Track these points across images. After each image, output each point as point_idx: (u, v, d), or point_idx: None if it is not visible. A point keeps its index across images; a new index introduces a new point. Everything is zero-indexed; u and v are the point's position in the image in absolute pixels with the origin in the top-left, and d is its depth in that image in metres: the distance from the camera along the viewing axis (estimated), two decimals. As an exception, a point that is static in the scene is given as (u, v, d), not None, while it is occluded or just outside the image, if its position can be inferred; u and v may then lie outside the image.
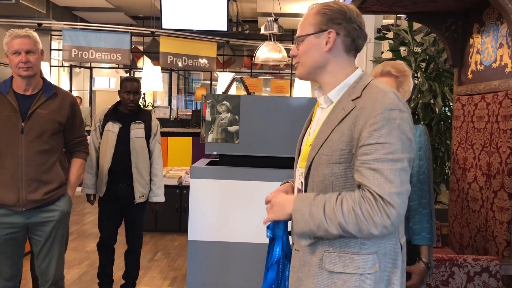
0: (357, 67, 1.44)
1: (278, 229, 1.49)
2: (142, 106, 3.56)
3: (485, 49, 2.73)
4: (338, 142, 1.32)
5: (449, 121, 3.90)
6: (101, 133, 3.27)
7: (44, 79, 2.48)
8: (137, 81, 3.32)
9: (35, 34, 2.39)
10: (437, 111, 3.78)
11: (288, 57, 6.64)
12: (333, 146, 1.32)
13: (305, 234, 1.31)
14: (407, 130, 1.27)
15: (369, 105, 1.29)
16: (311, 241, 1.34)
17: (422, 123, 3.80)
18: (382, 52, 5.95)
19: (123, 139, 3.23)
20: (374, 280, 1.31)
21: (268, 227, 1.52)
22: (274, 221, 1.46)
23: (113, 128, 3.23)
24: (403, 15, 3.27)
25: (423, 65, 4.11)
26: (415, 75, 4.06)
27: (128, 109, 3.27)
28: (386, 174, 1.22)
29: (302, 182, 1.43)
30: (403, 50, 4.46)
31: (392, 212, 1.21)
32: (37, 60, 2.37)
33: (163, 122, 7.19)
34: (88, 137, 3.15)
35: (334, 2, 1.43)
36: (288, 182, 1.60)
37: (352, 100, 1.34)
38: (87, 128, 2.96)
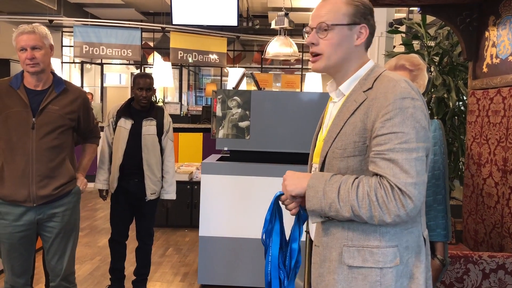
0: (369, 59, 1.42)
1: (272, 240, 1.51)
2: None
3: (501, 42, 2.67)
4: (351, 134, 1.30)
5: (463, 115, 3.84)
6: (114, 129, 3.27)
7: (54, 74, 2.47)
8: (149, 77, 3.31)
9: (42, 29, 2.35)
10: (451, 106, 3.72)
11: (299, 51, 6.59)
12: (346, 139, 1.30)
13: (316, 212, 1.30)
14: (421, 118, 1.24)
15: (380, 95, 1.27)
16: (322, 219, 1.33)
17: (436, 117, 3.75)
18: (394, 46, 5.88)
19: (135, 136, 3.23)
20: (395, 274, 1.28)
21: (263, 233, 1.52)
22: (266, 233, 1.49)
23: (125, 124, 3.23)
24: (416, 8, 3.22)
25: (437, 59, 4.05)
26: (429, 69, 4.00)
27: (140, 105, 3.27)
28: (401, 164, 1.20)
29: None
30: (416, 44, 4.40)
31: (408, 202, 1.18)
32: (44, 56, 2.33)
33: (174, 118, 7.17)
34: (102, 133, 3.16)
35: None
36: None
37: (364, 91, 1.32)
38: (100, 124, 2.98)
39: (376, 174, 1.24)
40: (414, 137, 1.21)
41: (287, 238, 1.54)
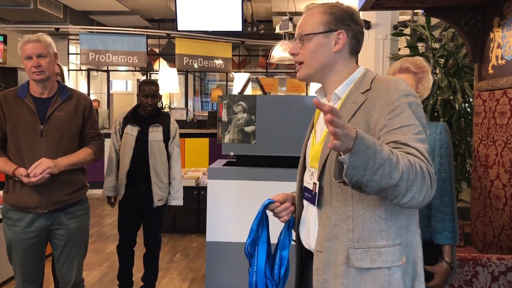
0: (358, 66, 1.45)
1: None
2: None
3: (506, 43, 2.67)
4: None
5: (470, 117, 3.83)
6: (121, 136, 3.29)
7: (58, 82, 2.51)
8: (155, 84, 3.33)
9: (46, 38, 2.40)
10: (457, 108, 3.71)
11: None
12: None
13: (355, 171, 1.09)
14: (421, 115, 1.29)
15: (383, 94, 1.30)
16: (348, 183, 1.13)
17: (441, 120, 3.74)
18: (399, 49, 5.87)
19: (141, 142, 3.24)
20: (402, 272, 1.30)
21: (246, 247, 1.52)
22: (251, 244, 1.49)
23: (131, 131, 3.25)
24: (420, 11, 3.22)
25: (442, 61, 4.04)
26: (434, 71, 3.99)
27: (146, 112, 3.28)
28: (422, 152, 1.20)
29: (315, 184, 1.38)
30: (420, 46, 4.39)
31: (434, 187, 1.18)
32: (49, 64, 2.38)
33: (180, 123, 7.20)
34: (108, 139, 3.17)
35: (338, 3, 1.42)
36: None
37: (362, 93, 1.34)
38: (106, 131, 2.98)
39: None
40: (422, 129, 1.26)
41: (273, 247, 1.53)
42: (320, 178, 1.36)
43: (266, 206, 1.49)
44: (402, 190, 1.13)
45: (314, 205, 1.38)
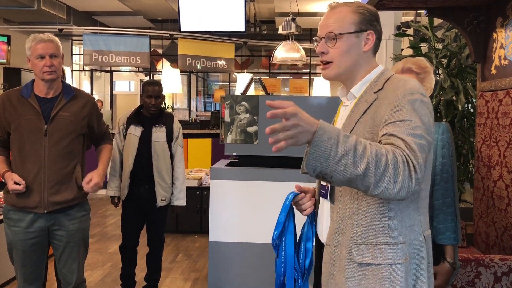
0: (378, 64, 1.46)
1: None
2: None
3: (510, 43, 2.66)
4: (362, 131, 1.33)
5: (473, 118, 3.82)
6: (125, 136, 3.30)
7: (63, 82, 2.52)
8: (158, 85, 3.33)
9: (57, 39, 2.44)
10: (459, 108, 3.70)
11: (307, 55, 6.60)
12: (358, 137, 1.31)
13: (317, 161, 1.13)
14: (426, 113, 1.26)
15: (390, 93, 1.31)
16: (312, 174, 1.17)
17: (444, 120, 3.73)
18: (402, 49, 5.86)
19: (145, 143, 3.25)
20: (404, 271, 1.30)
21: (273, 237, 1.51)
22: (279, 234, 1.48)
23: (135, 131, 3.26)
24: (423, 11, 3.21)
25: (445, 61, 4.03)
26: (437, 72, 3.99)
27: (150, 113, 3.29)
28: (410, 144, 1.17)
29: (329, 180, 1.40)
30: (423, 47, 4.39)
31: (416, 180, 1.14)
32: (59, 64, 2.42)
33: (183, 124, 7.20)
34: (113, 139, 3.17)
35: (362, 3, 1.44)
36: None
37: (374, 92, 1.36)
38: (110, 131, 3.01)
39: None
40: (420, 125, 1.23)
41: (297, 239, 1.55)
42: None
43: (292, 199, 1.50)
44: (372, 181, 1.12)
45: (327, 200, 1.43)
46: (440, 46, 4.12)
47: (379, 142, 1.25)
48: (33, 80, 2.46)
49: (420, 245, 1.35)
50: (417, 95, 1.28)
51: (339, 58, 1.40)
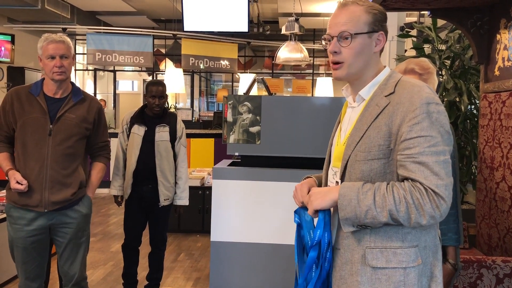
0: (385, 66, 1.45)
1: (306, 215, 1.45)
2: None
3: (513, 44, 2.66)
4: (376, 138, 1.32)
5: (475, 119, 3.81)
6: (128, 136, 3.31)
7: (73, 84, 2.54)
8: (162, 85, 3.34)
9: (68, 40, 2.45)
10: (462, 109, 3.70)
11: (310, 56, 6.60)
12: (371, 142, 1.32)
13: (350, 221, 1.30)
14: (445, 122, 1.29)
15: (405, 100, 1.30)
16: (355, 229, 1.32)
17: (447, 121, 3.72)
18: (405, 50, 5.86)
19: (148, 142, 3.26)
20: (418, 273, 1.31)
21: (295, 212, 1.49)
22: (302, 208, 1.46)
23: (138, 131, 3.27)
24: (426, 12, 3.21)
25: (448, 62, 4.03)
26: (440, 73, 3.98)
27: (153, 112, 3.30)
28: (431, 167, 1.24)
29: (337, 182, 1.42)
30: (427, 48, 4.38)
31: (442, 203, 1.23)
32: (69, 65, 2.43)
33: (186, 123, 7.21)
34: (115, 139, 3.19)
35: (371, 2, 1.43)
36: (310, 177, 1.57)
37: (386, 96, 1.35)
38: (113, 131, 3.01)
39: (407, 178, 1.27)
40: (440, 140, 1.26)
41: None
42: (342, 178, 1.39)
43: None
44: (401, 221, 1.25)
45: None
46: (443, 47, 4.11)
47: (402, 159, 1.27)
48: (43, 79, 2.48)
49: (435, 246, 1.37)
50: (433, 106, 1.27)
51: (352, 58, 1.38)
